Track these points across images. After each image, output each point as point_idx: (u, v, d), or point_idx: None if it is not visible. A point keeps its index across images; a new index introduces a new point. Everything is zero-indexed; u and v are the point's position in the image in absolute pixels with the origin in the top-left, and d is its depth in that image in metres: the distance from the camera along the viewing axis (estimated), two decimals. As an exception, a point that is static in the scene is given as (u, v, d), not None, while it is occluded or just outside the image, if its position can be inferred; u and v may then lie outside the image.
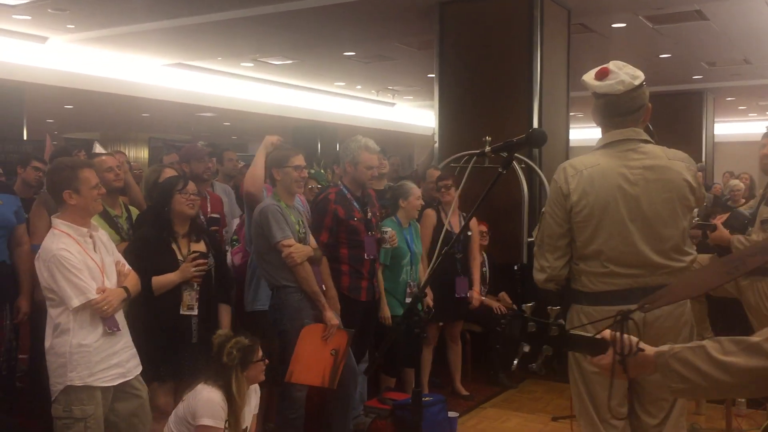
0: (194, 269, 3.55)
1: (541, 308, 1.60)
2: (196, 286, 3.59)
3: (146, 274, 3.43)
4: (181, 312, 3.56)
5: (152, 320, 3.51)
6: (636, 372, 1.52)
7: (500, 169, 1.89)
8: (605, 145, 2.60)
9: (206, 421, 3.08)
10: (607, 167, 2.53)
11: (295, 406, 3.81)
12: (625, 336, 1.50)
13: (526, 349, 1.52)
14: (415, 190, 4.77)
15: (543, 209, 2.69)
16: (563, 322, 1.57)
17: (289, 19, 8.19)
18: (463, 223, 5.26)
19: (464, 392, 5.37)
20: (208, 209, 4.65)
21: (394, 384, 4.91)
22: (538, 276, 2.65)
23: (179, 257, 3.59)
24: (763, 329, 1.35)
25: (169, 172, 4.25)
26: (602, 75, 2.58)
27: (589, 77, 2.62)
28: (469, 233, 5.30)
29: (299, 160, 3.94)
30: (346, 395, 3.97)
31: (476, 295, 5.29)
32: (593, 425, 2.64)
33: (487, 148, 2.05)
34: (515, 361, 1.55)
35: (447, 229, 4.58)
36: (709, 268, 1.55)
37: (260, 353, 3.28)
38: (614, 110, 2.56)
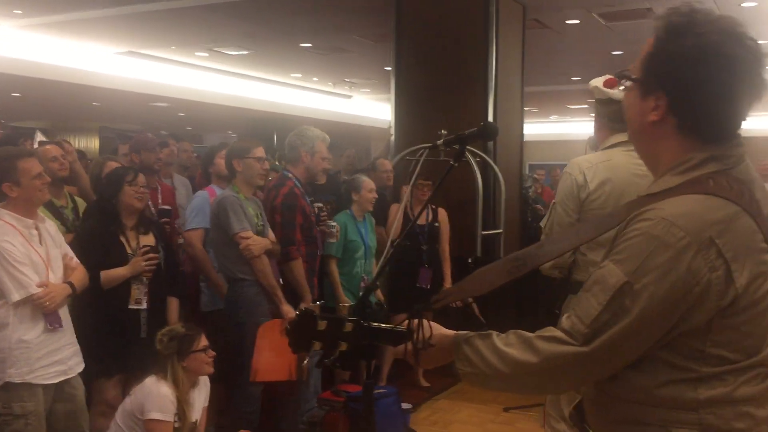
0: (145, 263, 3.49)
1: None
2: (145, 280, 3.53)
3: (95, 268, 3.36)
4: (130, 306, 3.49)
5: (100, 314, 3.44)
6: (432, 362, 1.54)
7: (452, 162, 1.88)
8: (612, 145, 2.75)
9: (155, 415, 3.03)
10: (619, 162, 2.67)
11: (250, 400, 3.78)
12: (425, 328, 1.52)
13: (317, 347, 1.55)
14: (367, 183, 4.77)
15: (553, 201, 2.80)
16: (358, 318, 1.58)
17: (245, 8, 8.10)
18: (427, 216, 5.29)
19: (425, 384, 5.40)
20: (159, 200, 4.57)
21: (349, 376, 4.91)
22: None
23: (128, 251, 3.53)
24: (547, 327, 1.36)
25: (112, 165, 4.15)
26: (613, 84, 2.70)
27: (602, 85, 2.76)
28: (436, 224, 5.33)
29: (260, 151, 3.89)
30: (299, 389, 3.95)
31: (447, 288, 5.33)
32: (564, 419, 2.69)
33: (440, 141, 2.05)
34: (306, 360, 1.58)
35: (409, 220, 4.59)
36: (494, 267, 1.54)
37: (201, 344, 3.20)
38: (623, 115, 2.67)
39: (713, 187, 1.30)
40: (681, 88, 1.34)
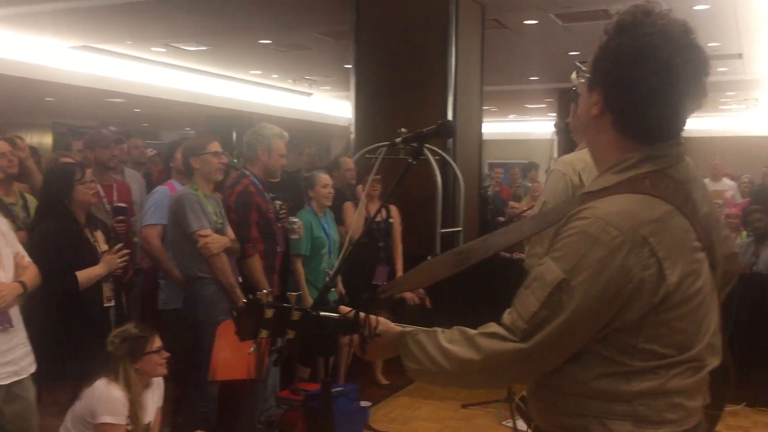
0: (120, 260, 3.46)
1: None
2: (111, 277, 3.50)
3: (70, 269, 3.32)
4: (104, 304, 3.48)
5: (76, 315, 3.38)
6: (378, 354, 1.58)
7: (410, 160, 1.89)
8: None
9: (106, 419, 2.95)
10: None
11: (207, 399, 3.74)
12: (372, 318, 1.55)
13: (264, 334, 1.56)
14: (321, 179, 4.77)
15: (544, 200, 2.76)
16: (307, 307, 1.61)
17: (202, 3, 8.00)
18: (383, 213, 5.30)
19: (384, 381, 5.41)
20: (115, 198, 4.49)
21: (308, 374, 4.90)
22: (530, 261, 2.70)
23: (99, 249, 3.51)
24: (489, 323, 1.40)
25: (65, 162, 4.06)
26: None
27: None
28: (391, 221, 5.34)
29: (216, 146, 3.86)
30: (256, 388, 3.93)
31: None
32: None
33: (399, 139, 2.05)
34: (253, 347, 1.60)
35: (366, 218, 4.60)
36: (439, 260, 1.58)
37: (155, 345, 3.13)
38: None
39: (648, 187, 1.33)
40: (614, 86, 1.38)
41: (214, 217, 3.76)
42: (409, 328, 1.52)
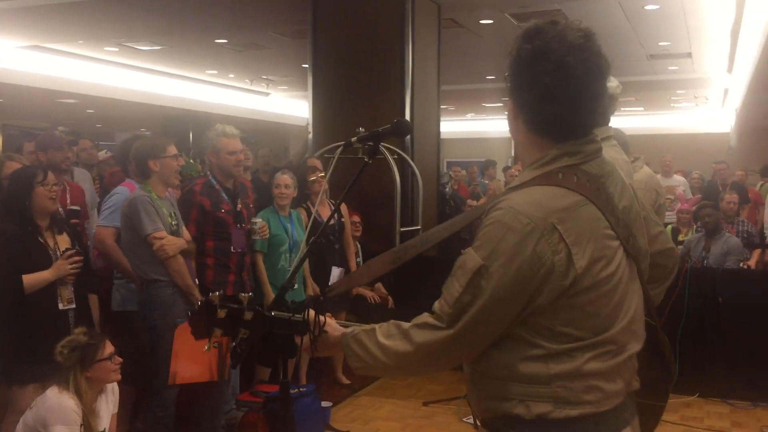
0: (70, 267, 3.39)
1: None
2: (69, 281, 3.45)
3: (16, 272, 3.26)
4: (61, 307, 3.42)
5: (27, 317, 3.32)
6: (328, 351, 1.66)
7: (366, 159, 1.90)
8: (602, 139, 2.81)
9: (59, 429, 2.87)
10: (611, 157, 2.73)
11: (165, 403, 3.69)
12: (320, 318, 1.64)
13: (218, 333, 1.62)
14: (280, 179, 4.74)
15: None
16: (260, 307, 1.69)
17: (156, 2, 7.88)
18: (339, 212, 5.29)
19: (345, 381, 5.40)
20: (68, 201, 4.40)
21: (268, 376, 4.86)
22: None
23: (50, 252, 3.44)
24: (422, 314, 1.47)
25: (13, 165, 3.96)
26: None
27: None
28: (343, 220, 5.34)
29: (174, 149, 3.83)
30: (217, 390, 3.89)
31: None
32: None
33: (354, 139, 2.06)
34: (207, 346, 1.66)
35: (315, 218, 4.59)
36: (380, 258, 1.70)
37: (106, 352, 3.06)
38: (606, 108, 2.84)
39: (560, 180, 1.42)
40: (518, 88, 1.48)
41: (169, 218, 3.72)
42: (350, 328, 1.60)
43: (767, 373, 5.05)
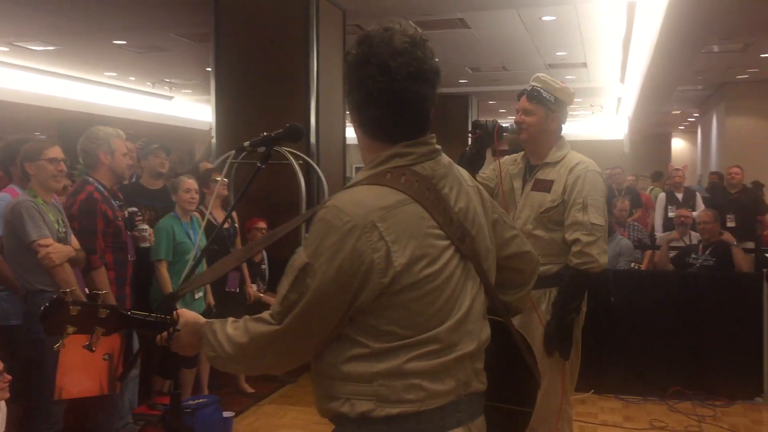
0: None
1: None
2: None
3: None
4: None
5: None
6: (186, 348, 1.66)
7: (258, 164, 1.88)
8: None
9: None
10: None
11: (50, 420, 3.50)
12: (175, 315, 1.65)
13: (71, 330, 1.62)
14: (184, 184, 4.62)
15: (600, 198, 3.01)
16: (116, 305, 1.72)
17: (49, 1, 7.54)
18: (231, 219, 5.21)
19: (249, 390, 5.31)
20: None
21: (167, 388, 4.72)
22: (603, 259, 3.10)
23: None
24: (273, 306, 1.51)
25: None
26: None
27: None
28: (237, 225, 5.27)
29: (55, 152, 3.61)
30: (110, 404, 3.73)
31: (250, 290, 5.31)
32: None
33: (247, 143, 2.03)
34: (59, 342, 1.64)
35: (210, 221, 4.49)
36: (232, 255, 1.82)
37: None
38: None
39: (387, 180, 1.45)
40: (348, 92, 1.52)
41: (56, 225, 3.53)
42: (210, 320, 1.61)
43: (657, 369, 5.31)
